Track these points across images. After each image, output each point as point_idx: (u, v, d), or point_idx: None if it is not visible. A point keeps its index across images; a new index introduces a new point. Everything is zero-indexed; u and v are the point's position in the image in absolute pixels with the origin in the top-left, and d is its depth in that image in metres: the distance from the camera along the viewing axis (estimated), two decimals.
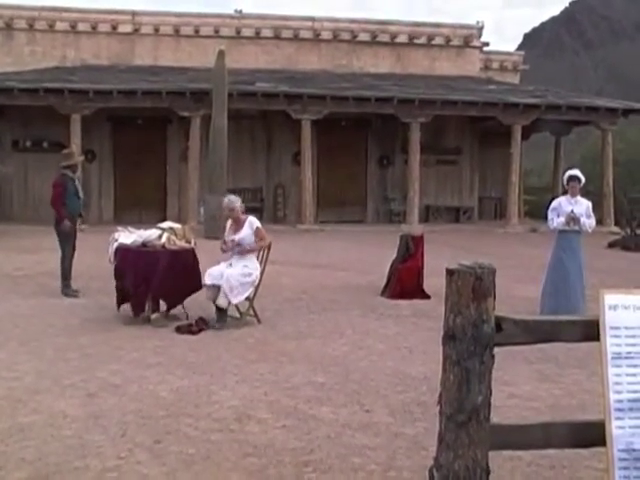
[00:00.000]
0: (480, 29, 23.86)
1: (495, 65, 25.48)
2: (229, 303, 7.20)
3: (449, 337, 2.63)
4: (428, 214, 21.52)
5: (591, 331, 2.69)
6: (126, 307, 7.49)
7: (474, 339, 2.59)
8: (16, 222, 18.32)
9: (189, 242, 7.70)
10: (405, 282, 9.19)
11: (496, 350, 2.65)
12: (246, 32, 22.23)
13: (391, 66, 23.00)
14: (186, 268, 7.43)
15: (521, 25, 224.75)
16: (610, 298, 2.69)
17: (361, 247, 14.68)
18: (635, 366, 2.64)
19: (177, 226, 7.93)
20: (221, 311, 7.21)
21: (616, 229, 18.48)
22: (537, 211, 21.40)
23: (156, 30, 21.87)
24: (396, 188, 21.56)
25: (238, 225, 7.48)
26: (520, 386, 5.33)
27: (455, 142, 22.19)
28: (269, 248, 7.64)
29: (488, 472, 2.68)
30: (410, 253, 9.47)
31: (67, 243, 9.04)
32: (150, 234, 7.53)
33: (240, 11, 22.83)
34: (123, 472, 3.69)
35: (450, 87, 20.59)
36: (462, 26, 23.95)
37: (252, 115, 19.99)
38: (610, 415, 2.61)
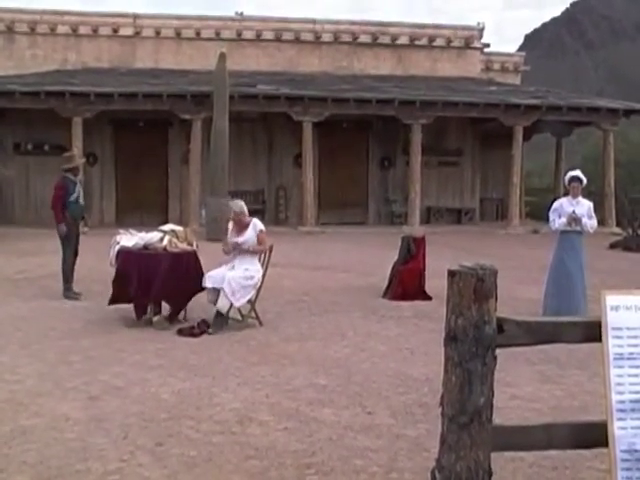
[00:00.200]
0: (481, 30, 23.87)
1: (496, 66, 25.49)
2: (230, 306, 7.20)
3: (451, 338, 2.63)
4: (429, 215, 21.52)
5: (593, 332, 2.69)
6: (125, 308, 7.49)
7: (476, 340, 2.59)
8: (17, 225, 18.34)
9: (191, 244, 7.70)
10: (407, 284, 9.18)
11: (498, 351, 2.65)
12: (247, 34, 22.26)
13: (392, 68, 23.01)
14: (188, 271, 7.43)
15: (521, 26, 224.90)
16: (612, 299, 2.69)
17: (362, 249, 14.68)
18: (637, 367, 2.64)
19: (179, 229, 7.93)
20: (220, 316, 7.20)
21: (618, 230, 18.46)
22: (538, 212, 21.41)
23: (157, 33, 21.90)
24: (397, 190, 21.57)
25: (242, 228, 7.48)
26: (522, 387, 5.33)
27: (456, 143, 22.20)
28: (270, 251, 7.64)
29: (490, 473, 2.68)
30: (411, 255, 9.47)
31: (68, 246, 9.05)
32: (152, 237, 7.53)
33: (241, 14, 22.87)
34: (125, 475, 3.69)
35: (451, 88, 20.59)
36: (463, 27, 23.96)
37: (253, 117, 20.00)
38: (612, 416, 2.61)
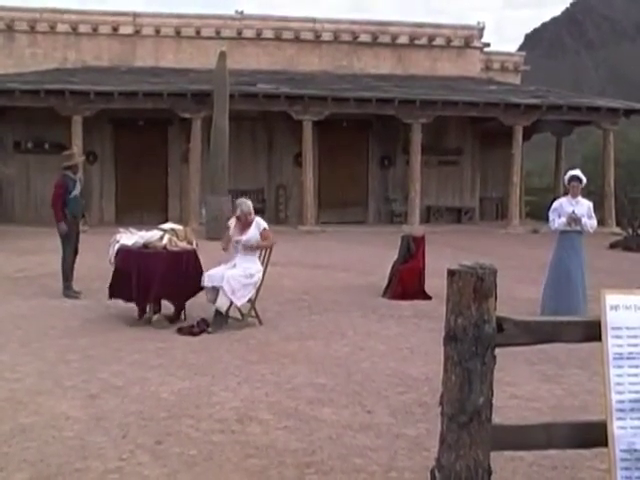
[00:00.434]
0: (481, 30, 23.86)
1: (496, 66, 25.48)
2: (230, 304, 7.20)
3: (450, 338, 2.63)
4: (429, 215, 21.52)
5: (592, 331, 2.69)
6: (125, 307, 7.49)
7: (475, 340, 2.59)
8: (17, 223, 18.34)
9: (191, 243, 7.70)
10: (406, 283, 9.18)
11: (497, 351, 2.65)
12: (247, 33, 22.25)
13: (392, 67, 23.01)
14: (188, 269, 7.43)
15: (522, 26, 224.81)
16: (611, 298, 2.69)
17: (362, 248, 14.68)
18: (637, 366, 2.64)
19: (179, 227, 7.94)
20: (219, 315, 7.20)
21: (617, 230, 18.46)
22: (538, 212, 21.41)
23: (157, 31, 21.89)
24: (397, 189, 21.57)
25: (245, 226, 7.49)
26: (521, 387, 5.33)
27: (456, 143, 22.20)
28: (271, 249, 7.64)
29: (490, 473, 2.68)
30: (411, 254, 9.47)
31: (67, 244, 9.05)
32: (151, 235, 7.53)
33: (241, 12, 22.85)
34: (124, 473, 3.69)
35: (451, 88, 20.59)
36: (463, 27, 23.95)
37: (253, 116, 19.99)
38: (612, 415, 2.61)
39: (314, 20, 23.00)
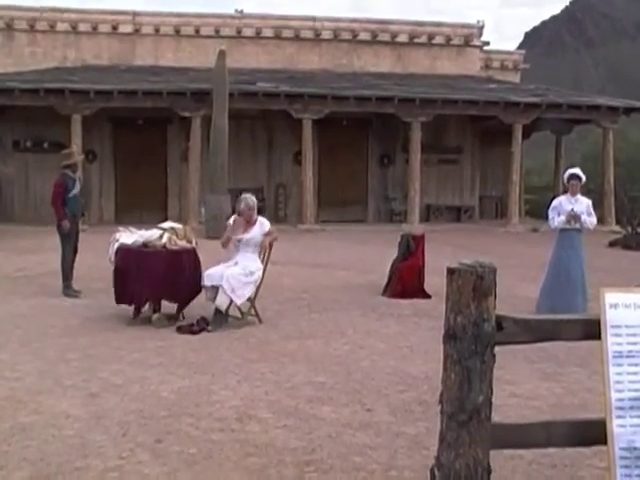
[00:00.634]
0: (480, 28, 23.85)
1: (496, 64, 25.46)
2: (230, 303, 7.20)
3: (450, 336, 2.63)
4: (429, 213, 21.52)
5: (592, 330, 2.69)
6: (126, 307, 7.49)
7: (475, 338, 2.59)
8: (17, 222, 18.34)
9: (190, 242, 7.69)
10: (406, 281, 9.19)
11: (497, 349, 2.65)
12: (247, 32, 22.23)
13: (392, 65, 23.00)
14: (187, 268, 7.42)
15: (520, 24, 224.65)
16: (611, 297, 2.69)
17: (362, 247, 14.68)
18: (636, 365, 2.64)
19: (178, 226, 7.93)
20: (219, 313, 7.20)
21: (617, 228, 18.46)
22: (538, 210, 21.40)
23: (157, 30, 21.88)
24: (397, 187, 21.56)
25: (249, 224, 7.50)
26: (521, 385, 5.33)
27: (456, 141, 22.19)
28: (270, 248, 7.64)
29: (489, 471, 2.68)
30: (411, 252, 9.47)
31: (67, 243, 9.05)
32: (151, 234, 7.52)
33: (241, 11, 22.84)
34: (124, 472, 3.69)
35: (451, 86, 20.58)
36: (462, 25, 23.94)
37: (253, 115, 19.99)
38: (611, 414, 2.61)
39: (314, 19, 22.99)
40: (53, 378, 5.32)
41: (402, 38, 23.02)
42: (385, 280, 9.48)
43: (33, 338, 6.59)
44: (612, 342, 2.65)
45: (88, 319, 7.49)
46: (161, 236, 7.47)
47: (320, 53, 22.70)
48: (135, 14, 22.01)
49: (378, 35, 22.84)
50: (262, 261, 7.59)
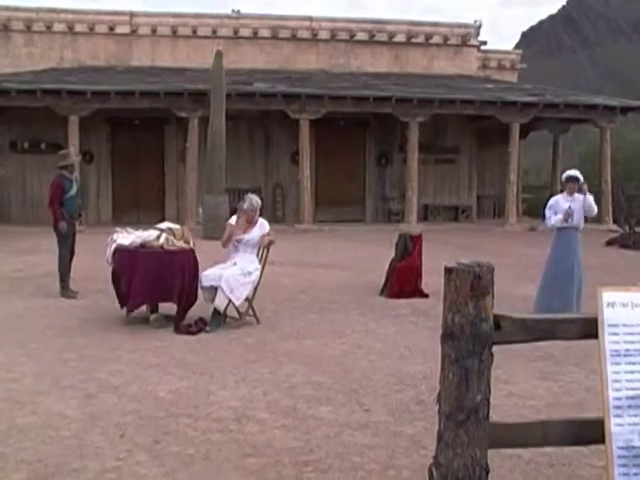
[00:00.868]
0: (478, 28, 23.85)
1: (493, 64, 25.45)
2: (228, 303, 7.20)
3: (448, 336, 2.63)
4: (427, 213, 21.52)
5: (589, 329, 2.69)
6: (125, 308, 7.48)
7: (473, 338, 2.59)
8: (14, 223, 18.31)
9: (188, 243, 7.68)
10: (404, 281, 9.18)
11: (495, 348, 2.65)
12: (244, 32, 22.21)
13: (389, 65, 22.99)
14: (185, 269, 7.40)
15: (517, 24, 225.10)
16: (608, 295, 2.69)
17: (360, 246, 14.68)
18: (633, 363, 2.64)
19: (176, 227, 7.92)
20: (217, 314, 7.19)
21: (614, 227, 18.48)
22: (535, 209, 21.40)
23: (153, 31, 21.84)
24: (395, 187, 21.57)
25: (249, 225, 7.50)
26: (519, 384, 5.33)
27: (453, 141, 22.20)
28: (269, 248, 7.64)
29: (487, 470, 2.68)
30: (409, 252, 9.47)
31: (64, 244, 9.03)
32: (148, 235, 7.51)
33: (238, 11, 22.82)
34: (122, 473, 3.68)
35: (448, 86, 20.59)
36: (460, 25, 23.94)
37: (250, 115, 19.98)
38: (609, 412, 2.61)
39: (311, 19, 22.98)
40: (50, 379, 5.31)
41: (399, 38, 23.02)
42: (383, 280, 9.47)
43: (30, 339, 6.58)
44: (609, 341, 2.65)
45: (85, 320, 7.48)
46: (158, 237, 7.46)
47: (317, 53, 22.69)
48: (132, 14, 21.98)
49: (375, 35, 22.84)
50: (260, 261, 7.59)
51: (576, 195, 8.06)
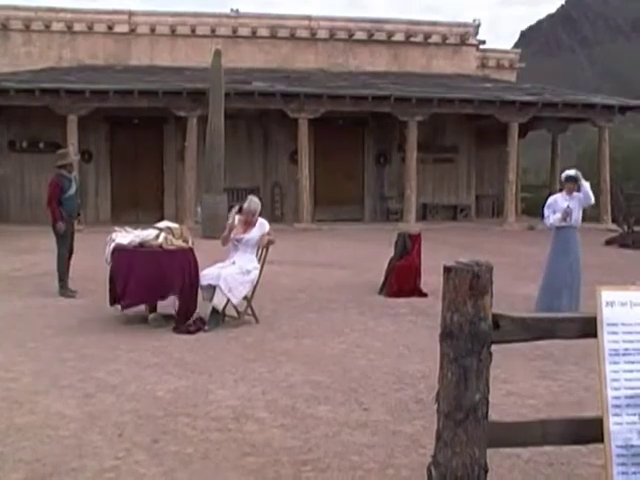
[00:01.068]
0: (477, 27, 23.85)
1: (492, 63, 25.44)
2: (227, 302, 7.19)
3: (446, 335, 2.63)
4: (425, 212, 21.52)
5: (588, 328, 2.69)
6: (118, 307, 7.46)
7: (471, 337, 2.58)
8: (13, 223, 18.29)
9: (186, 242, 7.68)
10: (402, 280, 9.18)
11: (494, 347, 2.65)
12: (242, 31, 22.20)
13: (388, 64, 22.99)
14: (184, 268, 7.39)
15: (516, 23, 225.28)
16: (607, 295, 2.69)
17: (358, 246, 14.68)
18: (632, 362, 2.64)
19: (174, 226, 7.91)
20: (216, 313, 7.19)
21: (613, 226, 18.48)
22: (534, 209, 21.41)
23: (152, 30, 21.83)
24: (393, 186, 21.56)
25: (249, 225, 7.50)
26: (518, 383, 5.33)
27: (452, 140, 22.20)
28: (268, 248, 7.64)
29: (486, 470, 2.68)
30: (408, 251, 9.47)
31: (63, 243, 9.02)
32: (147, 234, 7.51)
33: (236, 10, 22.80)
34: (121, 472, 3.68)
35: (447, 85, 20.59)
36: (458, 24, 23.94)
37: (249, 114, 19.97)
38: (608, 411, 2.61)
39: (309, 18, 22.97)
40: (49, 378, 5.31)
41: (398, 37, 23.01)
42: (382, 279, 9.47)
43: (29, 338, 6.57)
44: (608, 340, 2.65)
45: (84, 319, 7.48)
46: (157, 236, 7.46)
47: (316, 52, 22.68)
48: (131, 14, 21.95)
49: (374, 34, 22.83)
50: (259, 260, 7.59)
51: (575, 194, 8.06)
